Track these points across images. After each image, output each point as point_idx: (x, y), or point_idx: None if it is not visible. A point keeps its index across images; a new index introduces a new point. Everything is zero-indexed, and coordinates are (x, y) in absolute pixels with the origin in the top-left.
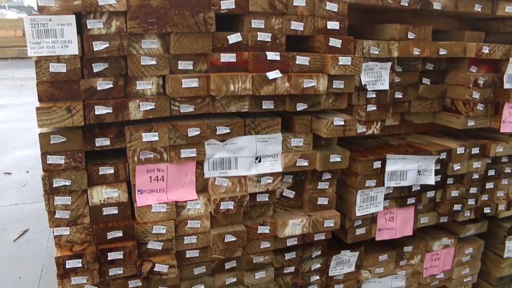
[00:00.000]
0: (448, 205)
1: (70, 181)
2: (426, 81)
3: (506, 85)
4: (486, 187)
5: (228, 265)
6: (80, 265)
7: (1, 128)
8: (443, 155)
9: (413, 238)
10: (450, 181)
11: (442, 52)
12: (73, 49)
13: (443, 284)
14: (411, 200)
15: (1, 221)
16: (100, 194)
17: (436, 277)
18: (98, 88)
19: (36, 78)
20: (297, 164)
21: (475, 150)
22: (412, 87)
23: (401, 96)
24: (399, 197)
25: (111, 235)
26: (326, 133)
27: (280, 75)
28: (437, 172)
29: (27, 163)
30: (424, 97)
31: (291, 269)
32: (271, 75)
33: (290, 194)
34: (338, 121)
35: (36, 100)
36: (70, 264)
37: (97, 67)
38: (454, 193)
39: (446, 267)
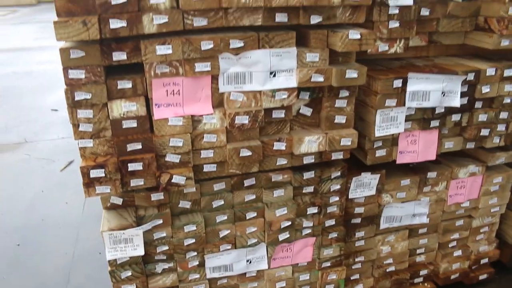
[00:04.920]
0: (475, 130)
1: (90, 94)
2: None
3: None
4: None
5: (247, 182)
6: (103, 174)
7: (49, 68)
8: (470, 76)
9: (438, 164)
10: (478, 104)
11: None
12: None
13: (469, 213)
14: (434, 123)
15: (49, 153)
16: (119, 108)
17: (461, 205)
18: (113, 3)
19: None
20: (312, 80)
21: (508, 72)
22: (440, 4)
23: (428, 13)
24: (422, 119)
25: (130, 147)
26: (341, 47)
27: None
28: (464, 95)
29: None
30: (454, 15)
31: (310, 189)
32: None
33: (307, 111)
34: (354, 34)
35: None
36: (94, 173)
37: None
38: (482, 117)
39: (472, 196)
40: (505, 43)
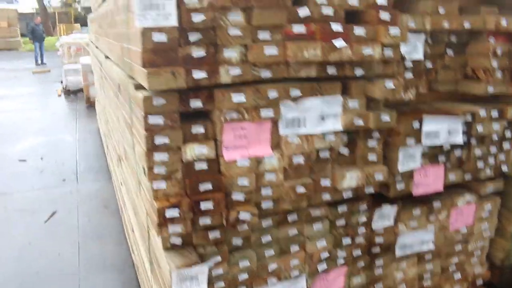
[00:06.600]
0: (473, 163)
1: (168, 138)
2: (450, 52)
3: None
4: (504, 148)
5: (290, 218)
6: (178, 215)
7: (4, 118)
8: (469, 117)
9: (439, 195)
10: (473, 141)
11: (466, 25)
12: (173, 20)
13: (466, 238)
14: (441, 158)
15: (26, 204)
16: (192, 151)
17: (460, 231)
18: (194, 56)
19: (142, 47)
20: (354, 123)
21: (494, 113)
22: (439, 57)
23: (431, 66)
24: (432, 155)
25: (202, 187)
26: (379, 95)
27: (345, 44)
28: (462, 133)
29: (40, 150)
30: (448, 66)
31: (342, 221)
32: (338, 43)
33: (345, 151)
34: (390, 84)
35: (33, 91)
36: (169, 213)
37: (193, 37)
38: (478, 152)
39: (468, 223)
40: (490, 90)
